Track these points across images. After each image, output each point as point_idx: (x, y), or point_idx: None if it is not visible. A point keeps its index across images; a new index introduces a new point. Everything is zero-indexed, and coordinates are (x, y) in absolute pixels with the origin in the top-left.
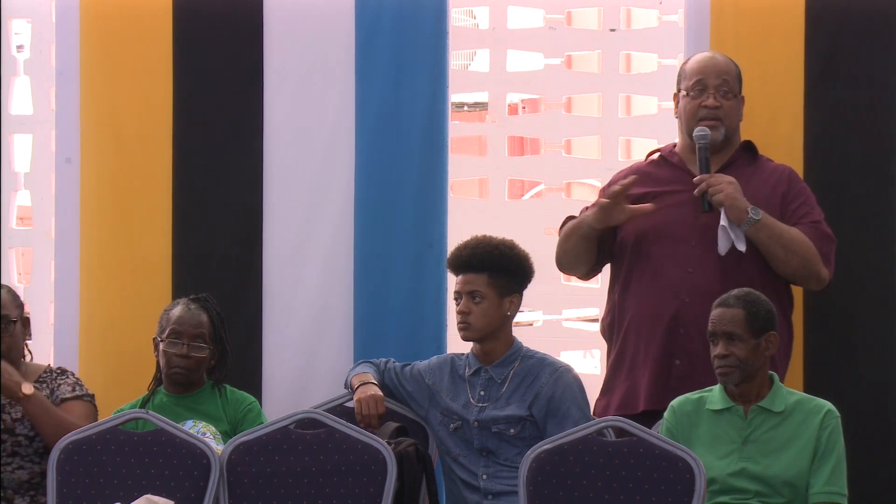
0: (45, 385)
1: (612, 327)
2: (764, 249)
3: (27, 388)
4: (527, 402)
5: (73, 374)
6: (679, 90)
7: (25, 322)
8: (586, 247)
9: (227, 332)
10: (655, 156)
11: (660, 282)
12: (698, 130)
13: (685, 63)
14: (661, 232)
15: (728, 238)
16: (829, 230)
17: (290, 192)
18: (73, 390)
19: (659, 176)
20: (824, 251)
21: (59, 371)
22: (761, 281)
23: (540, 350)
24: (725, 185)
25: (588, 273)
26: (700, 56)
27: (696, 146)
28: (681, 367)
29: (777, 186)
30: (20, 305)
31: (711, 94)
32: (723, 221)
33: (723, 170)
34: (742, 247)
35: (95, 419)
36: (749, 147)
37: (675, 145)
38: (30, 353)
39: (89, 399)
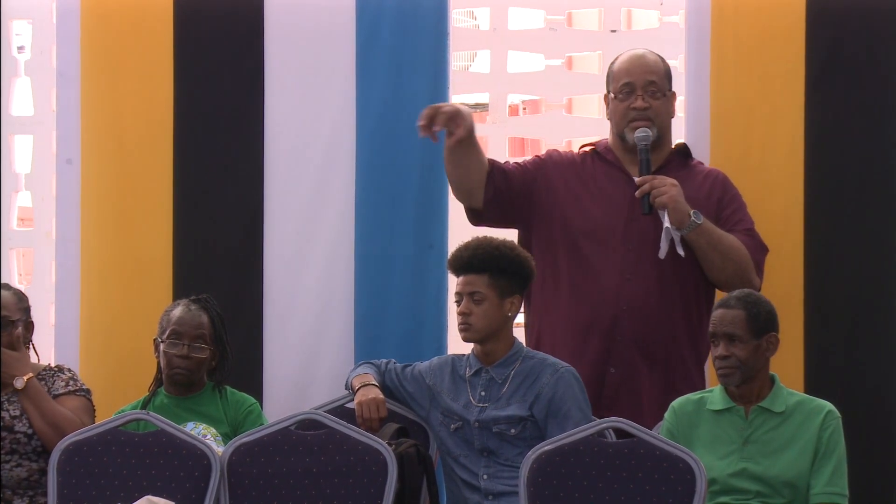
0: (42, 383)
1: (536, 328)
2: (701, 254)
3: (19, 383)
4: (527, 402)
5: (69, 371)
6: (608, 92)
7: (29, 326)
8: (454, 160)
9: (227, 333)
10: (588, 149)
11: (597, 287)
12: (640, 131)
13: (613, 63)
14: (596, 234)
15: (669, 241)
16: (761, 239)
17: (290, 192)
18: (67, 385)
19: (593, 172)
20: (757, 259)
21: (56, 368)
22: (696, 289)
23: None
24: (669, 188)
25: (478, 202)
26: (627, 56)
27: (637, 147)
28: (615, 375)
29: (712, 191)
30: (25, 308)
31: (640, 96)
32: (666, 223)
33: (655, 172)
34: (682, 251)
35: (91, 413)
36: (682, 150)
37: (608, 141)
38: (36, 354)
39: (83, 394)
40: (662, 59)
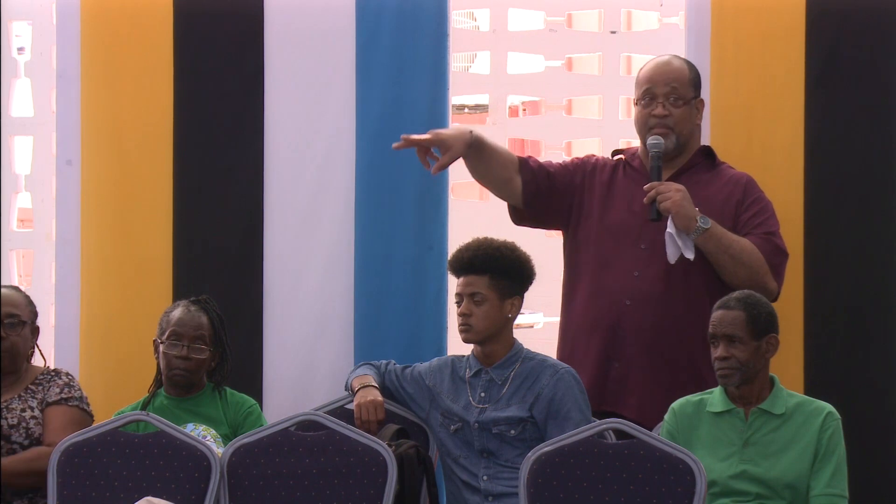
0: (40, 388)
1: (561, 325)
2: (711, 258)
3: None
4: (527, 403)
5: (66, 375)
6: (634, 97)
7: (35, 330)
8: (469, 168)
9: (227, 334)
10: (620, 156)
11: (605, 284)
12: (651, 139)
13: (640, 70)
14: (614, 234)
15: (675, 246)
16: (781, 243)
17: (290, 193)
18: (61, 392)
19: (622, 177)
20: (774, 263)
21: (53, 372)
22: (707, 288)
23: (541, 352)
24: (673, 193)
25: (519, 201)
26: (652, 63)
27: (649, 154)
28: (619, 369)
29: (732, 194)
30: (34, 312)
31: (660, 103)
32: (669, 229)
33: (679, 175)
34: (690, 255)
35: (82, 424)
36: (708, 153)
37: (637, 149)
38: (42, 357)
39: (76, 403)
40: (690, 66)
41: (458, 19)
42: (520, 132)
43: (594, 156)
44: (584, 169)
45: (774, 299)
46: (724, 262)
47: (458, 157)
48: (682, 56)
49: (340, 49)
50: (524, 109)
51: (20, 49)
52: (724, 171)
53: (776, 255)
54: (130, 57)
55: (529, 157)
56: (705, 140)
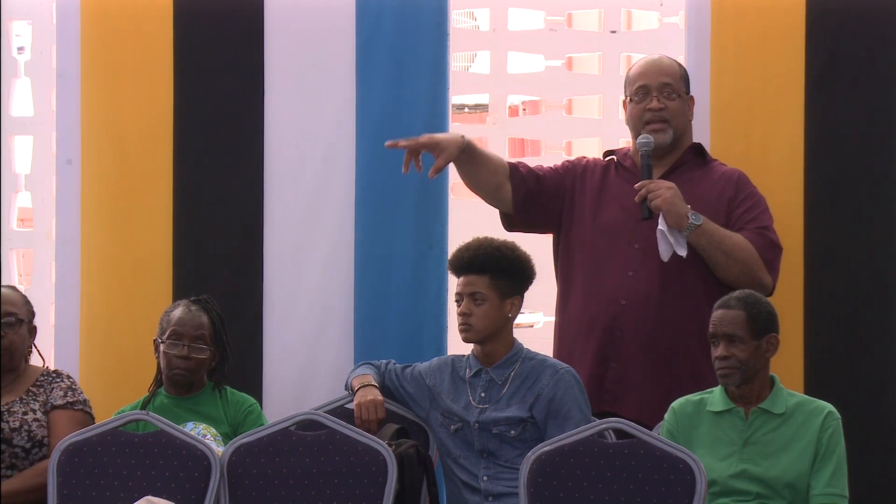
0: (41, 390)
1: (557, 326)
2: (705, 255)
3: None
4: (527, 403)
5: (67, 378)
6: (626, 97)
7: (32, 330)
8: (461, 173)
9: (227, 334)
10: (611, 157)
11: (600, 284)
12: (641, 138)
13: (630, 69)
14: (608, 234)
15: (668, 243)
16: (775, 237)
17: (290, 193)
18: (65, 396)
19: (615, 177)
20: (768, 258)
21: (54, 374)
22: (703, 285)
23: (541, 352)
24: (664, 191)
25: (509, 207)
26: (643, 60)
27: (639, 153)
28: (616, 370)
29: (724, 191)
30: (31, 311)
31: (654, 97)
32: (660, 226)
33: (670, 173)
34: (683, 252)
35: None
36: (699, 150)
37: (629, 149)
38: (41, 357)
39: (81, 406)
40: (679, 64)
41: (458, 19)
42: (520, 132)
43: (585, 157)
44: (574, 172)
45: (769, 293)
46: (717, 258)
47: (452, 159)
48: (683, 56)
49: (340, 49)
50: (524, 109)
51: (20, 48)
52: (715, 167)
53: (770, 250)
54: (130, 57)
55: (519, 162)
56: (706, 139)
